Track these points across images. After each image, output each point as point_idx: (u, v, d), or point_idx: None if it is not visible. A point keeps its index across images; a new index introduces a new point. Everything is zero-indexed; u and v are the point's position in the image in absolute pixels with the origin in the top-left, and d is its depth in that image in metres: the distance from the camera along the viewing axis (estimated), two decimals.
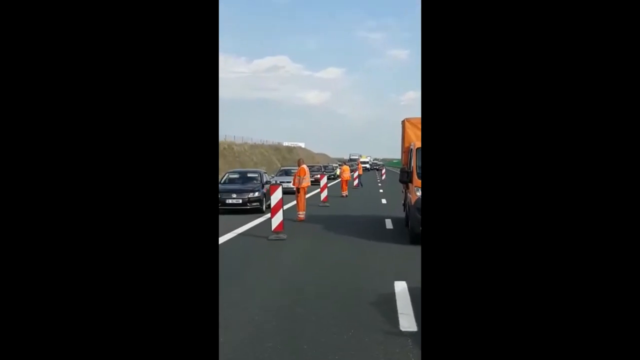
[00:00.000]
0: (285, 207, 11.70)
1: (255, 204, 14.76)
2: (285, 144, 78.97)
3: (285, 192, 10.83)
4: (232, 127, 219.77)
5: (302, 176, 13.27)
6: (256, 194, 14.94)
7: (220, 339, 3.47)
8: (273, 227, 10.02)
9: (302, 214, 13.17)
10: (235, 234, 10.68)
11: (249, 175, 16.93)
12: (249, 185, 15.57)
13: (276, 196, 10.19)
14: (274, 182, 14.90)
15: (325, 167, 42.96)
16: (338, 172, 36.54)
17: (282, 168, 28.09)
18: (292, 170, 23.47)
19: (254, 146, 52.78)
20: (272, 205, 10.23)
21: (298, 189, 13.41)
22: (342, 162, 43.41)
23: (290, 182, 17.42)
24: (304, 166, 13.81)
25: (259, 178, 16.20)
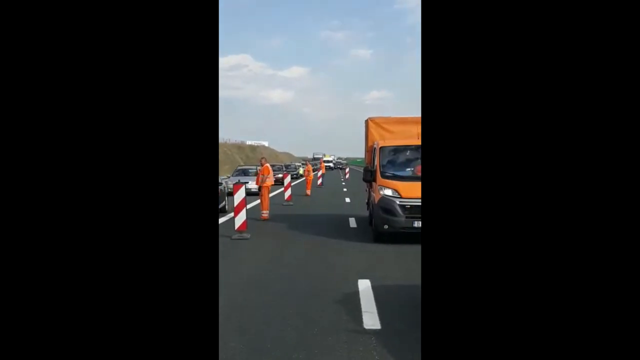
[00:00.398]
0: (249, 206, 11.61)
1: None
2: (249, 142, 78.56)
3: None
4: None
5: (265, 175, 13.28)
6: None
7: None
8: (236, 226, 9.96)
9: (265, 213, 13.12)
10: None
11: None
12: None
13: (239, 195, 10.17)
14: (234, 182, 14.43)
15: (287, 166, 40.51)
16: (301, 171, 36.27)
17: (239, 167, 26.62)
18: (250, 170, 22.84)
19: None
20: (235, 205, 10.16)
21: (260, 188, 13.36)
22: (306, 161, 42.95)
23: (247, 182, 16.81)
24: (268, 165, 13.80)
25: None
